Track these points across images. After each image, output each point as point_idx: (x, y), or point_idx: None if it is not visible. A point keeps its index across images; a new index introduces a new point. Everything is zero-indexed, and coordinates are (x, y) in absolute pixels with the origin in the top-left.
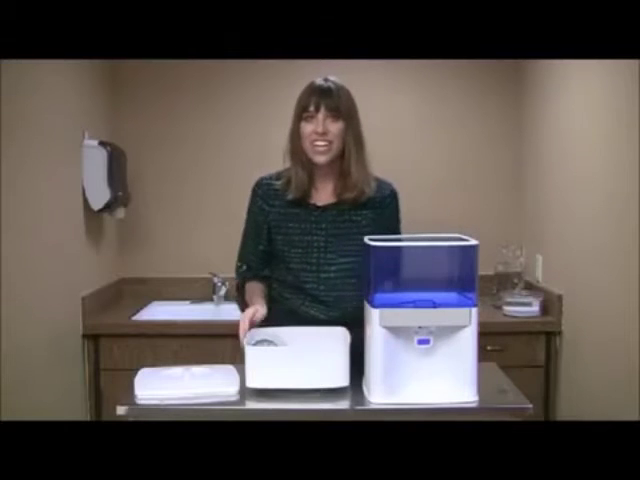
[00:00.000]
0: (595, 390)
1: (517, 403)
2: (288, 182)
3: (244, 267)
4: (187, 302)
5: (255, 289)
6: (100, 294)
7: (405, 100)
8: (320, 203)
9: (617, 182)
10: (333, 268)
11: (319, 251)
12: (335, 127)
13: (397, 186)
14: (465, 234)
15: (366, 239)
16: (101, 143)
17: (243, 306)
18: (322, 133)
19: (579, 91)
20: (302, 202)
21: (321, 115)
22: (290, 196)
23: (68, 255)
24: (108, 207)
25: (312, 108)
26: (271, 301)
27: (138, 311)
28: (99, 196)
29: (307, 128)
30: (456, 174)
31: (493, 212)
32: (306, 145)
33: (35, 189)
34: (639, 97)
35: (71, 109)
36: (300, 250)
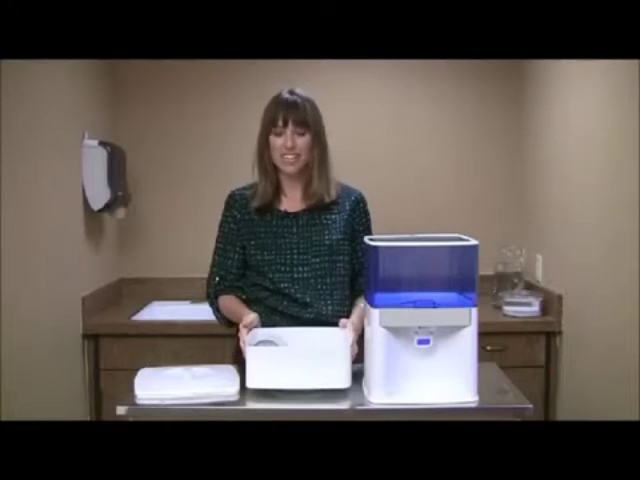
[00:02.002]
0: (595, 390)
1: (517, 403)
2: (256, 191)
3: (216, 279)
4: (187, 302)
5: (234, 301)
6: (100, 294)
7: (405, 100)
8: (290, 210)
9: (617, 182)
10: (306, 268)
11: (292, 252)
12: (302, 141)
13: (397, 186)
14: (465, 234)
15: (366, 239)
16: (101, 143)
17: (225, 320)
18: (291, 147)
19: (579, 91)
20: (273, 209)
21: (289, 130)
22: (255, 204)
23: (68, 255)
24: (108, 207)
25: (280, 123)
26: (250, 302)
27: (138, 311)
28: (99, 196)
29: (276, 142)
30: (456, 174)
31: (493, 212)
32: (275, 157)
33: (35, 189)
34: (639, 96)
35: (71, 109)
36: (274, 252)
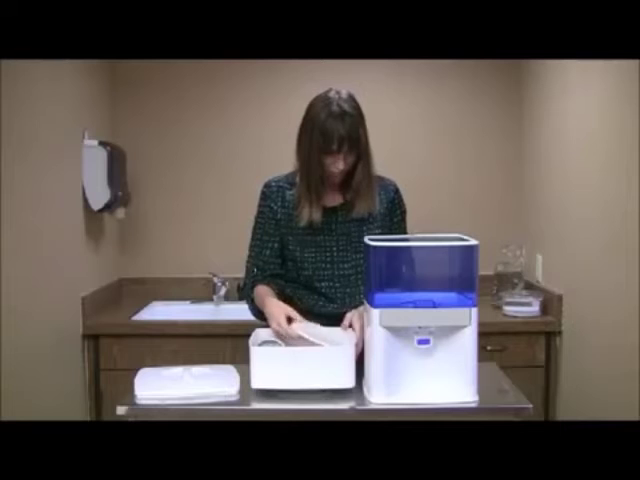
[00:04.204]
0: (595, 390)
1: (517, 403)
2: (300, 199)
3: (254, 270)
4: (187, 302)
5: (266, 291)
6: (100, 294)
7: (405, 100)
8: (329, 204)
9: (617, 181)
10: (347, 265)
11: (332, 250)
12: (351, 158)
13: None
14: (465, 234)
15: (366, 239)
16: (101, 143)
17: (256, 311)
18: (342, 169)
19: (579, 91)
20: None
21: (342, 156)
22: (301, 224)
23: (68, 255)
24: (108, 207)
25: (335, 148)
26: (286, 300)
27: (138, 311)
28: (99, 196)
29: (327, 159)
30: (456, 174)
31: (493, 212)
32: (323, 165)
33: (35, 189)
34: (639, 96)
35: (71, 109)
36: (314, 249)
